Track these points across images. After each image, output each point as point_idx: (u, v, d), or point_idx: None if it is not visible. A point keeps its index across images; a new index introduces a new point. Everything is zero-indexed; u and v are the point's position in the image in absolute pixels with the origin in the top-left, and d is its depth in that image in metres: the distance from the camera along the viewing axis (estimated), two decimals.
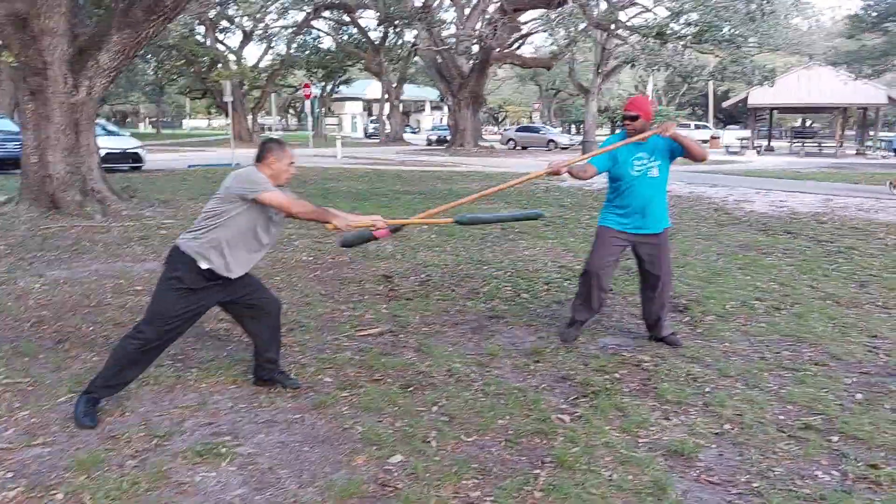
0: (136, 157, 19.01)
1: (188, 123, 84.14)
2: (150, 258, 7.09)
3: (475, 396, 3.70)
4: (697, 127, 41.53)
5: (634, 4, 26.70)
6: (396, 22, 23.92)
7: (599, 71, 32.30)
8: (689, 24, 20.12)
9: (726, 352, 4.43)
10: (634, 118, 4.32)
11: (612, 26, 24.28)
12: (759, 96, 28.80)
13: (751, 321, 5.07)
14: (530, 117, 60.37)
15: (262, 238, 3.50)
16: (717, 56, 22.61)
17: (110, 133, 20.44)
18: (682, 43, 20.15)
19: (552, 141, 36.20)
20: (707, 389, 3.80)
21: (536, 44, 42.39)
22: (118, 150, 18.67)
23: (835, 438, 3.22)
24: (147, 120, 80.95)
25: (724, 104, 35.30)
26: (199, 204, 10.71)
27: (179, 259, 3.38)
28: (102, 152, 18.06)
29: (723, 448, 3.15)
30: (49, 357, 4.25)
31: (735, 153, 29.97)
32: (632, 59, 22.56)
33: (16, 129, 14.76)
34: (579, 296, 4.58)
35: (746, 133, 33.86)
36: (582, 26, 25.15)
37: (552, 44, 33.29)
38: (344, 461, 3.03)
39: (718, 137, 33.88)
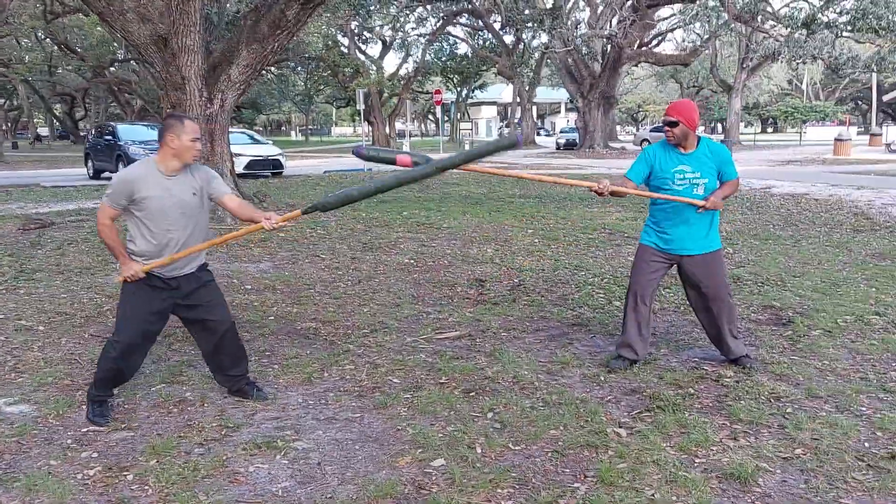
0: (277, 164, 20.25)
1: (336, 131, 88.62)
2: (265, 259, 7.55)
3: (534, 405, 3.65)
4: None
5: None
6: (520, 26, 23.84)
7: (744, 66, 30.57)
8: (841, 13, 18.51)
9: (822, 370, 4.07)
10: (674, 124, 3.91)
11: (759, 18, 22.87)
12: None
13: (862, 338, 4.63)
14: None
15: (168, 226, 3.41)
16: (875, 45, 20.65)
17: (256, 142, 21.99)
18: (831, 32, 18.55)
19: None
20: (788, 410, 3.52)
21: (678, 39, 40.69)
22: (261, 158, 20.01)
23: None
24: (297, 129, 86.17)
25: (885, 98, 32.13)
26: None
27: None
28: (246, 160, 19.73)
29: (788, 474, 2.91)
30: (154, 349, 4.64)
31: None
32: (774, 53, 21.10)
33: None
34: (624, 317, 4.25)
35: None
36: (723, 19, 23.89)
37: (693, 40, 31.92)
38: (388, 461, 3.10)
39: (879, 135, 30.87)
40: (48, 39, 39.96)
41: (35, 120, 60.34)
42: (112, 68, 42.21)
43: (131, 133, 18.55)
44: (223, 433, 3.42)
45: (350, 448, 3.25)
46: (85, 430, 3.47)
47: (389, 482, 2.90)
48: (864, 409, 3.52)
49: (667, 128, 3.98)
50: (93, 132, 22.41)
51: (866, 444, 3.14)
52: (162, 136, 3.39)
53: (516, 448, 3.20)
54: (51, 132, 61.72)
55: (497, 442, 3.24)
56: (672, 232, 4.07)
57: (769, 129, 74.24)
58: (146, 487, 2.91)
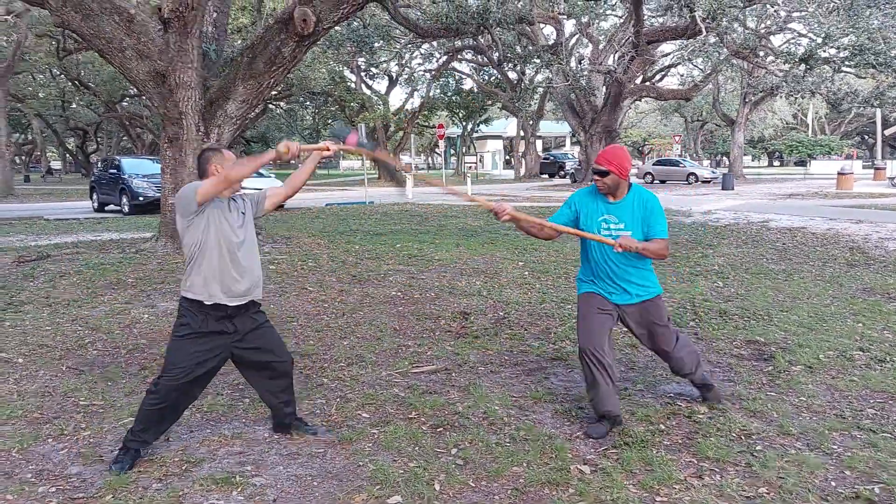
0: None
1: (344, 164, 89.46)
2: None
3: (500, 441, 3.61)
4: None
5: (784, 30, 25.28)
6: (517, 62, 24.10)
7: (746, 100, 30.74)
8: (839, 49, 18.65)
9: (798, 407, 4.01)
10: (605, 174, 3.67)
11: (760, 54, 23.08)
12: None
13: (843, 374, 4.56)
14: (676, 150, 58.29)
15: (235, 245, 3.43)
16: (875, 80, 20.74)
17: (259, 175, 22.19)
18: (829, 66, 18.66)
19: (693, 174, 34.53)
20: (758, 448, 3.46)
21: (682, 74, 41.04)
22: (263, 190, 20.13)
23: None
24: None
25: (886, 132, 32.12)
26: (316, 241, 11.31)
27: (181, 304, 3.48)
28: (249, 192, 19.93)
29: None
30: (128, 383, 4.64)
31: None
32: (773, 88, 21.21)
33: None
34: (586, 380, 3.83)
35: None
36: (724, 55, 24.09)
37: (695, 75, 32.20)
38: (344, 499, 3.06)
39: (884, 168, 30.84)
40: (62, 75, 40.71)
41: (48, 153, 61.19)
42: (124, 103, 42.89)
43: (136, 167, 18.75)
44: (184, 468, 3.39)
45: (308, 484, 3.21)
46: (46, 464, 3.45)
47: None
48: (835, 446, 3.46)
49: (596, 177, 3.73)
50: (99, 165, 22.66)
51: (832, 483, 3.08)
52: (203, 168, 3.45)
53: (476, 485, 3.15)
54: (63, 166, 62.48)
55: (457, 479, 3.20)
56: (601, 279, 3.82)
57: (776, 163, 74.37)
58: None
